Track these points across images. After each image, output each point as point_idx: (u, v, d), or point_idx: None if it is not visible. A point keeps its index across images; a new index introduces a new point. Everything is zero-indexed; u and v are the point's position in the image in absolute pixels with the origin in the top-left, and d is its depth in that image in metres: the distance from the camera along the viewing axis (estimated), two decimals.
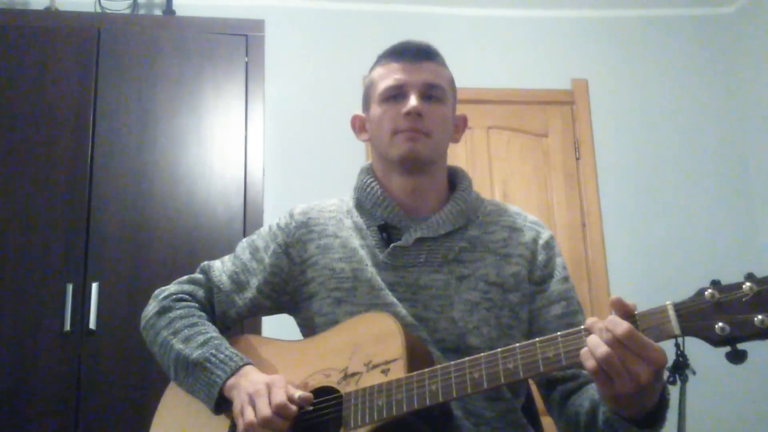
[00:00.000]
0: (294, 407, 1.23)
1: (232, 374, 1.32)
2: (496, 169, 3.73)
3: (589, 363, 1.04)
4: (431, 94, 1.44)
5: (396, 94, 1.44)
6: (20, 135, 2.75)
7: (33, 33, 2.86)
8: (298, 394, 1.25)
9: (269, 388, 1.26)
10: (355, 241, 1.45)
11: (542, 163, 3.78)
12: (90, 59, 2.84)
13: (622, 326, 1.03)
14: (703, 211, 3.78)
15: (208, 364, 1.35)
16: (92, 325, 2.58)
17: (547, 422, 1.48)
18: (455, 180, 1.54)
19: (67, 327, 2.57)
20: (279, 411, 1.22)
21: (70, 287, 2.60)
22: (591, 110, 3.86)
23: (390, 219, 1.45)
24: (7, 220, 2.66)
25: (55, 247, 2.65)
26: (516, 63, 3.88)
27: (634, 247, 3.71)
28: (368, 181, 1.50)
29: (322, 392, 1.28)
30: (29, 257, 2.63)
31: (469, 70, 3.80)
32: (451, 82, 1.51)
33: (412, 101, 1.42)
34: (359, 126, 1.56)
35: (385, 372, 1.22)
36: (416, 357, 1.23)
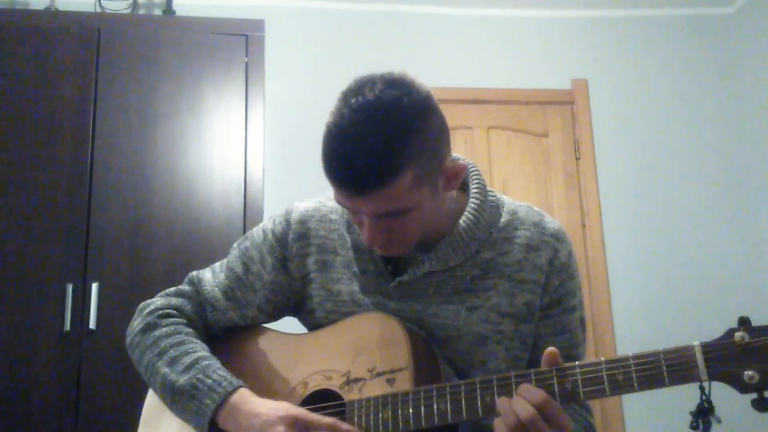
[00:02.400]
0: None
1: (223, 401, 1.23)
2: (496, 169, 3.73)
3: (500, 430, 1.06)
4: (391, 215, 1.17)
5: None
6: (20, 135, 2.75)
7: (33, 33, 2.87)
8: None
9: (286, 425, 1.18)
10: (356, 266, 1.32)
11: (542, 163, 3.78)
12: (90, 59, 2.84)
13: (538, 395, 1.04)
14: (703, 210, 3.77)
15: (196, 391, 1.25)
16: (92, 325, 2.58)
17: None
18: (465, 180, 1.35)
19: (67, 327, 2.57)
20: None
21: (70, 287, 2.61)
22: (591, 110, 3.86)
23: None
24: (7, 220, 2.66)
25: (55, 247, 2.65)
26: (516, 63, 3.87)
27: (634, 247, 3.71)
28: None
29: (322, 395, 1.26)
30: (29, 257, 2.63)
31: (469, 70, 3.81)
32: (419, 169, 1.14)
33: (368, 237, 1.19)
34: None
35: (390, 382, 1.18)
36: (423, 366, 1.19)
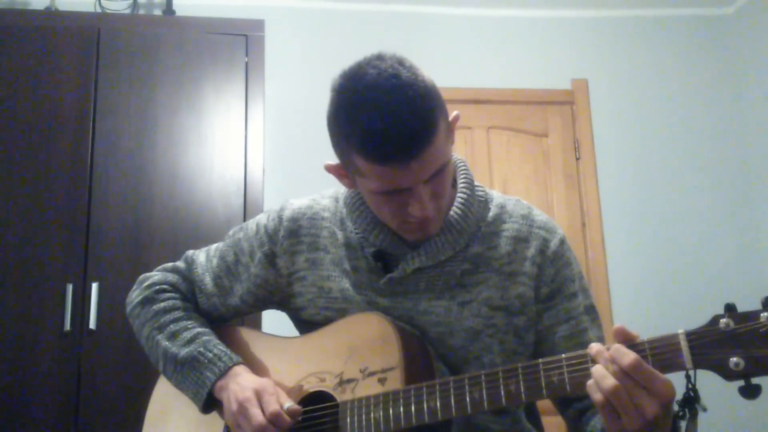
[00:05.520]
0: (288, 418, 1.21)
1: (222, 375, 1.29)
2: (496, 169, 3.73)
3: (596, 396, 0.99)
4: (436, 173, 1.18)
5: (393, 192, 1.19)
6: (20, 135, 2.75)
7: (33, 33, 2.86)
8: (287, 404, 1.22)
9: (258, 395, 1.23)
10: (347, 263, 1.33)
11: (542, 163, 3.79)
12: (90, 59, 2.84)
13: (628, 357, 0.97)
14: (703, 210, 3.78)
15: (197, 363, 1.31)
16: (92, 325, 2.58)
17: (546, 422, 1.47)
18: (453, 175, 1.35)
19: (67, 327, 2.57)
20: (274, 420, 1.20)
21: (70, 287, 2.60)
22: (591, 110, 3.86)
23: (383, 246, 1.30)
24: (8, 220, 2.66)
25: (55, 247, 2.65)
26: (516, 63, 3.88)
27: (634, 248, 3.71)
28: (357, 203, 1.34)
29: (316, 397, 1.26)
30: (29, 257, 2.63)
31: (469, 70, 3.81)
32: (445, 120, 1.19)
33: (421, 210, 1.19)
34: (337, 174, 1.29)
35: (381, 381, 1.18)
36: (414, 365, 1.19)
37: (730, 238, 3.75)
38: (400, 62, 1.16)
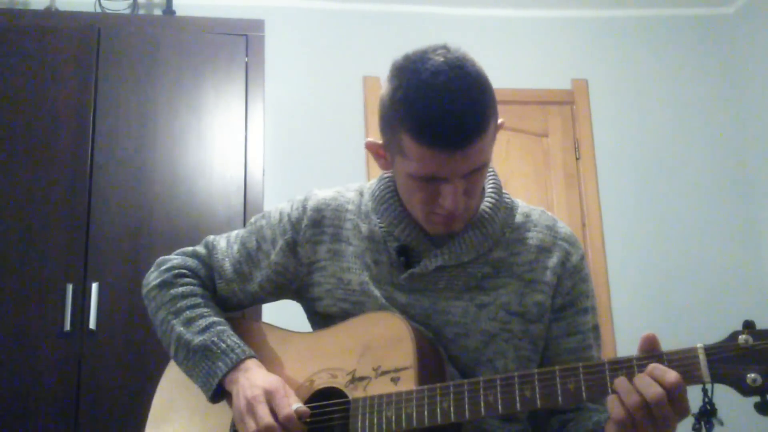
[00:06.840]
0: (301, 425, 1.21)
1: (234, 367, 1.29)
2: (496, 169, 3.68)
3: (618, 410, 1.02)
4: (475, 171, 1.21)
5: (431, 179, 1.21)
6: (20, 135, 2.75)
7: (33, 33, 2.87)
8: (295, 406, 1.22)
9: (269, 395, 1.23)
10: (368, 257, 1.33)
11: (542, 163, 3.78)
12: (90, 59, 2.84)
13: (671, 374, 0.99)
14: (703, 210, 3.78)
15: (209, 353, 1.31)
16: (92, 325, 2.58)
17: None
18: None
19: (67, 327, 2.57)
20: (286, 423, 1.20)
21: (70, 287, 2.60)
22: (591, 110, 3.86)
23: (408, 241, 1.31)
24: (8, 220, 2.66)
25: (55, 247, 2.65)
26: (516, 63, 3.87)
27: (633, 247, 3.71)
28: (386, 197, 1.35)
29: (327, 393, 1.27)
30: (29, 257, 2.63)
31: None
32: (495, 121, 1.22)
33: (453, 203, 1.20)
34: (375, 153, 1.30)
35: (394, 380, 1.19)
36: (427, 366, 1.19)
37: (729, 238, 3.75)
38: (465, 56, 1.22)
